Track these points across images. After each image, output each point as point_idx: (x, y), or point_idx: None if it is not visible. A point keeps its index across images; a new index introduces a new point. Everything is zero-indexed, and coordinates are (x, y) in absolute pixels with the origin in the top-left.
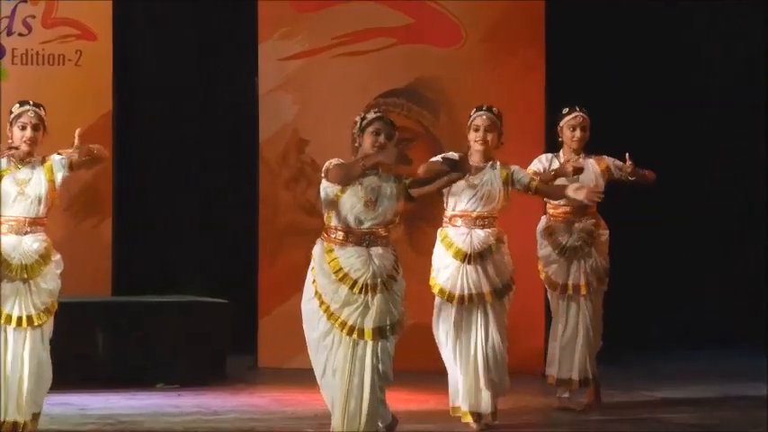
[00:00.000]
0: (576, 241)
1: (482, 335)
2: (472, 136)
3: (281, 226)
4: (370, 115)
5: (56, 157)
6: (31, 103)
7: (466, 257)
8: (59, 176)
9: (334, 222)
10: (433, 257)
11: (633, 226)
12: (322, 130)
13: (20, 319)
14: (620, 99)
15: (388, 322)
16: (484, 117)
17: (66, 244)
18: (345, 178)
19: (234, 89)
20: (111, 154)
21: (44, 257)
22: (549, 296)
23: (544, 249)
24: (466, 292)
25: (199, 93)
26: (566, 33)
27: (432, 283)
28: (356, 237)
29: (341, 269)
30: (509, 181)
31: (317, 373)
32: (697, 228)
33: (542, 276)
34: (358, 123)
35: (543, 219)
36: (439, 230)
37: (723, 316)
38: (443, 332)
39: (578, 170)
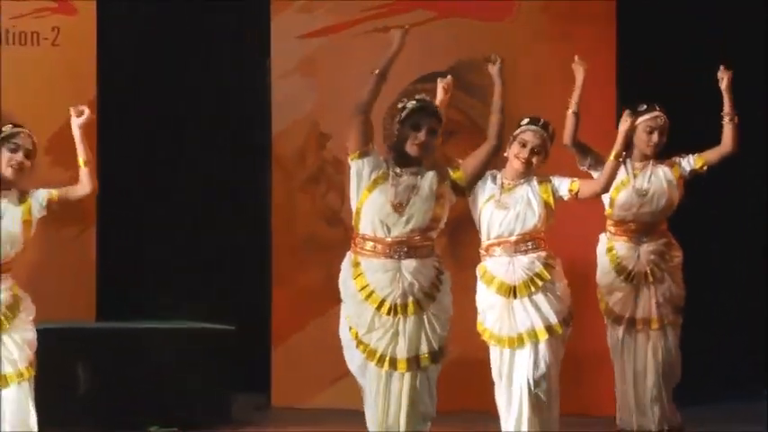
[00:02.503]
0: (645, 265)
1: (530, 374)
2: (515, 150)
3: (298, 237)
4: (411, 104)
5: (38, 193)
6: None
7: (511, 291)
8: (36, 216)
9: (361, 228)
10: (477, 298)
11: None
12: (346, 122)
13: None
14: (707, 85)
15: (425, 350)
16: (536, 134)
17: (41, 258)
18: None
19: (241, 73)
20: (95, 149)
21: (11, 309)
22: (608, 332)
23: (606, 275)
24: (515, 333)
25: (199, 77)
26: (641, 4)
27: (479, 328)
28: (385, 246)
29: (366, 286)
30: (550, 192)
31: None
32: None
33: (601, 306)
34: (398, 115)
35: (603, 237)
36: (477, 267)
37: None
38: (497, 374)
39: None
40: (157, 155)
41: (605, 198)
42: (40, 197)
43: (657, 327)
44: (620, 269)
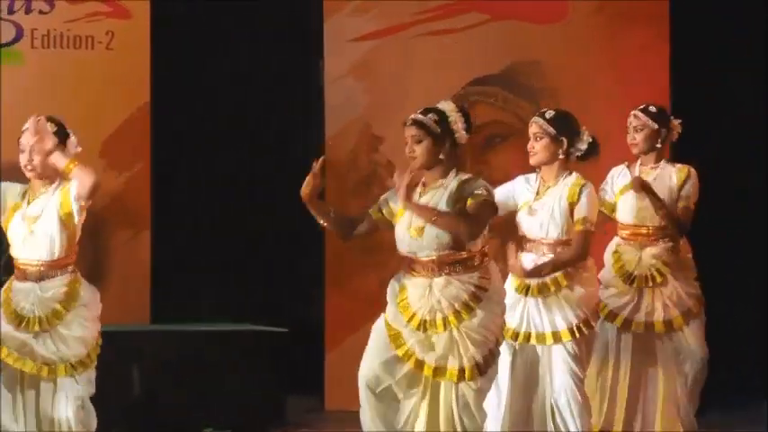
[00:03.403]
0: (646, 269)
1: (548, 381)
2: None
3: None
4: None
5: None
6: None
7: (527, 290)
8: (76, 203)
9: (398, 249)
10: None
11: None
12: (400, 124)
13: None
14: (761, 84)
15: (454, 365)
16: (532, 125)
17: (96, 261)
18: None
19: (294, 76)
20: (149, 153)
21: (64, 304)
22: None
23: (606, 273)
24: (523, 330)
25: (252, 80)
26: (694, 4)
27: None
28: (421, 266)
29: (405, 299)
30: (576, 197)
31: None
32: None
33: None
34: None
35: (614, 240)
36: None
37: None
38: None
39: (640, 186)
40: (211, 158)
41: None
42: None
43: (662, 330)
44: (621, 271)
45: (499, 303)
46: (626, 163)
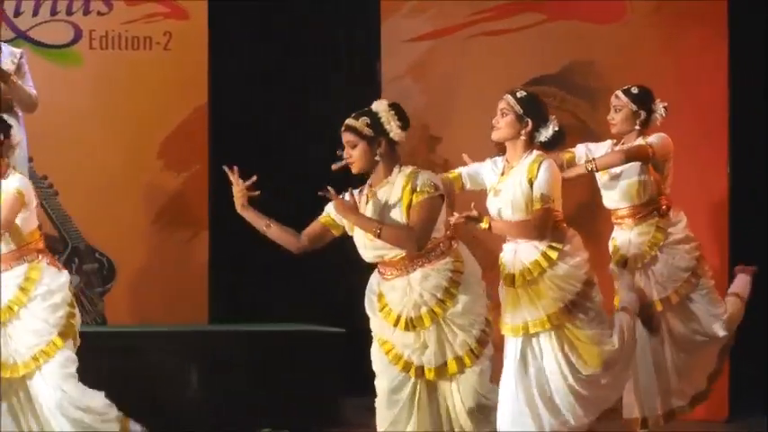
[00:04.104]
0: (635, 249)
1: (551, 367)
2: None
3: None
4: None
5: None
6: None
7: (513, 281)
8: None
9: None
10: None
11: None
12: (456, 124)
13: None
14: None
15: (450, 357)
16: (501, 101)
17: (154, 261)
18: None
19: (351, 76)
20: (207, 154)
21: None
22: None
23: (611, 264)
24: (519, 321)
25: (310, 81)
26: (753, 3)
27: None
28: (392, 266)
29: (386, 305)
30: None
31: None
32: None
33: None
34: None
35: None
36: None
37: None
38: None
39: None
40: (269, 158)
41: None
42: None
43: (661, 308)
44: (617, 257)
45: (479, 283)
46: (612, 141)
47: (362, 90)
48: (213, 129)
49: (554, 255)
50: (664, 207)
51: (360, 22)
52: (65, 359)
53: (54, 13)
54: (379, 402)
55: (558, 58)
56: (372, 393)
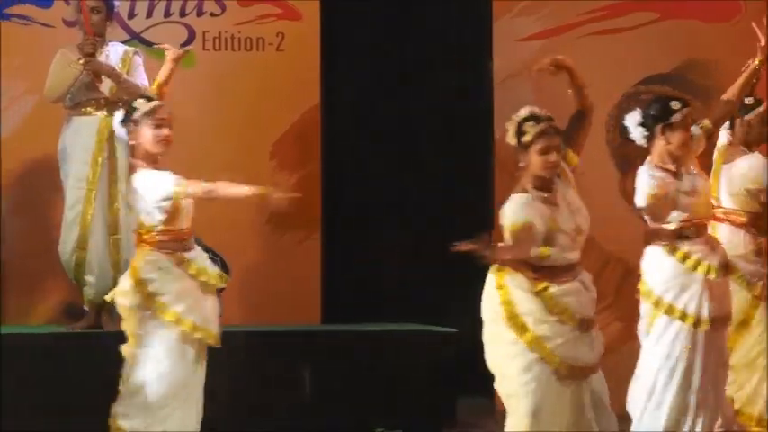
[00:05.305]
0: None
1: None
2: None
3: None
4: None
5: None
6: None
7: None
8: None
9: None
10: None
11: None
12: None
13: None
14: None
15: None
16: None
17: (267, 262)
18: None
19: (463, 76)
20: (320, 154)
21: None
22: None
23: None
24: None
25: (421, 81)
26: None
27: None
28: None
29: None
30: None
31: None
32: None
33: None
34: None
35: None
36: None
37: None
38: None
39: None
40: (381, 159)
41: None
42: None
43: None
44: None
45: None
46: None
47: (473, 90)
48: (325, 129)
49: None
50: None
51: (471, 22)
52: None
53: (168, 14)
54: None
55: (670, 57)
56: (485, 395)
